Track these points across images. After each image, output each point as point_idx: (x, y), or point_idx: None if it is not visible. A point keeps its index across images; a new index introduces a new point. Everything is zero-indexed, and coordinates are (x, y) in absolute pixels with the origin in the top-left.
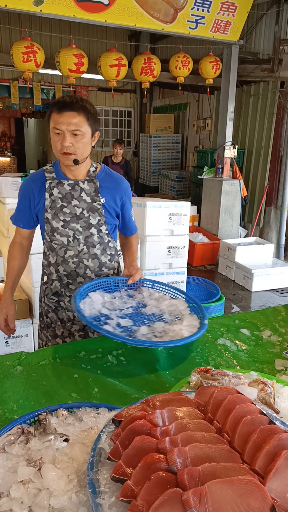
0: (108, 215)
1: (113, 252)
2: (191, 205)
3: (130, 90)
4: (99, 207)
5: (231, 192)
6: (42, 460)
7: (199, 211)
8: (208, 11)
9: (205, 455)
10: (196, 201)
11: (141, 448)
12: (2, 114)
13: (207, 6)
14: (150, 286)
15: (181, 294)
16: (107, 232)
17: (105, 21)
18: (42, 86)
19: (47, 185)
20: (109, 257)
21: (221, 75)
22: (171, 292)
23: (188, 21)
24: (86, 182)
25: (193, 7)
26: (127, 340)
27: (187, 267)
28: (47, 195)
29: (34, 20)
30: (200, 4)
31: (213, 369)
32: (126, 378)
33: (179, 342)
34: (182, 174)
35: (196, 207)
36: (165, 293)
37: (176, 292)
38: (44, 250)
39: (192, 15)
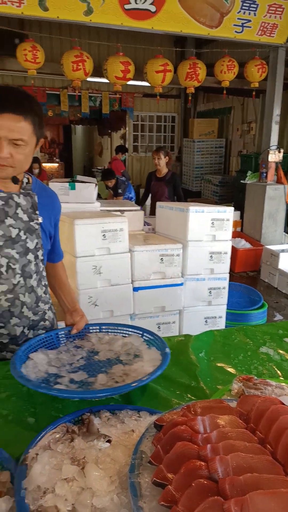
0: (44, 237)
1: (46, 283)
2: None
3: (175, 95)
4: (36, 227)
5: (276, 197)
6: (86, 459)
7: (241, 217)
8: (255, 14)
9: (247, 465)
10: (239, 206)
11: (182, 454)
12: (51, 122)
13: (254, 9)
14: (97, 330)
15: (133, 330)
16: (42, 258)
17: (152, 28)
18: (90, 94)
19: None
20: (44, 288)
21: (266, 78)
22: (121, 331)
23: (234, 25)
24: (21, 195)
25: (240, 11)
26: (85, 394)
27: (229, 273)
28: None
29: (84, 29)
30: (247, 8)
31: (255, 378)
32: (167, 383)
33: (146, 381)
34: (225, 179)
35: (238, 212)
36: (115, 333)
37: (127, 329)
38: None
39: (238, 18)
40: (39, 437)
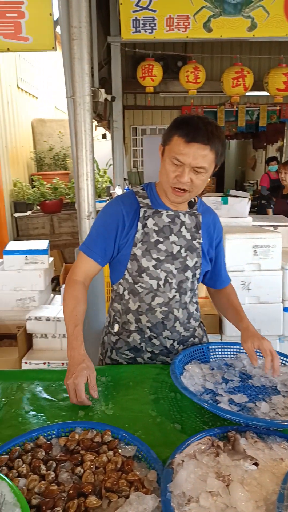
0: (203, 258)
1: (197, 300)
2: None
3: None
4: (198, 246)
5: None
6: (231, 477)
7: None
8: None
9: None
10: None
11: None
12: None
13: None
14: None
15: None
16: (198, 277)
17: None
18: (247, 108)
19: (141, 213)
20: (195, 306)
21: None
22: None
23: None
24: (187, 214)
25: None
26: (256, 421)
27: None
28: (139, 225)
29: (245, 45)
30: None
31: None
32: None
33: None
34: None
35: None
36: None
37: (284, 358)
38: (118, 292)
39: None
40: (185, 445)
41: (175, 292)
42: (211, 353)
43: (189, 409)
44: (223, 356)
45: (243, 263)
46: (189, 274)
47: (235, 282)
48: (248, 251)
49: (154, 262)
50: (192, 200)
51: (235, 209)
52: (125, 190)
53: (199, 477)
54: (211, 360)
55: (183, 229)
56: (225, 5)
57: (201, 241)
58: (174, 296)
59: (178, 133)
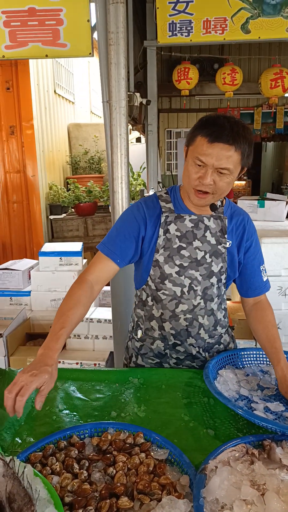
0: (230, 263)
1: (226, 306)
2: None
3: None
4: (223, 251)
5: None
6: (266, 486)
7: None
8: None
9: None
10: None
11: None
12: None
13: None
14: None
15: None
16: (225, 282)
17: None
18: (286, 109)
19: (162, 219)
20: (223, 312)
21: None
22: None
23: None
24: (212, 218)
25: None
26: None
27: None
28: (161, 231)
29: (284, 45)
30: None
31: None
32: None
33: None
34: None
35: None
36: None
37: None
38: (141, 298)
39: None
40: (219, 451)
41: (200, 299)
42: (246, 359)
43: (222, 415)
44: (258, 362)
45: (280, 268)
46: (214, 280)
47: (272, 287)
48: (285, 256)
49: (177, 269)
50: (215, 203)
51: (271, 213)
52: None
53: (233, 484)
54: (245, 366)
55: (207, 233)
56: (264, 6)
57: (227, 245)
58: (199, 303)
59: (202, 133)
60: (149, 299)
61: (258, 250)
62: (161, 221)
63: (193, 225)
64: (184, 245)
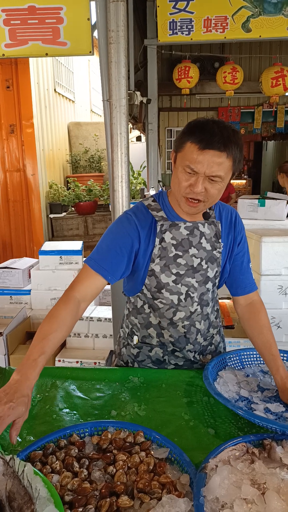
0: (223, 263)
1: (218, 307)
2: None
3: None
4: (218, 256)
5: None
6: (266, 485)
7: None
8: None
9: None
10: None
11: None
12: (243, 139)
13: None
14: (285, 358)
15: None
16: (218, 284)
17: None
18: (286, 108)
19: (158, 228)
20: (215, 313)
21: None
22: None
23: None
24: (206, 224)
25: None
26: None
27: None
28: (157, 240)
29: (284, 44)
30: None
31: None
32: None
33: None
34: None
35: None
36: None
37: None
38: (135, 305)
39: None
40: (219, 450)
41: (197, 305)
42: (246, 360)
43: (223, 414)
44: (259, 362)
45: (280, 267)
46: (209, 285)
47: (272, 286)
48: (285, 255)
49: (174, 277)
50: (207, 211)
51: (272, 212)
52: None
53: (233, 483)
54: (245, 366)
55: (202, 240)
56: (265, 5)
57: (221, 250)
58: (196, 310)
59: (191, 139)
60: (146, 306)
61: (247, 248)
62: (157, 230)
63: (188, 232)
64: (180, 253)
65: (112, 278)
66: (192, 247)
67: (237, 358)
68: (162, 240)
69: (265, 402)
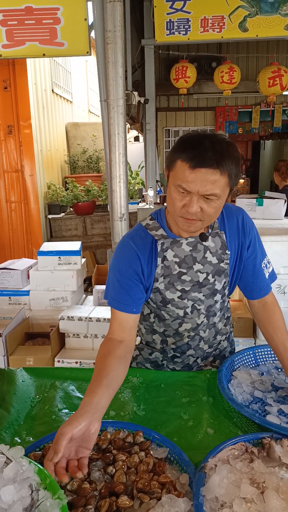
0: (231, 271)
1: (229, 315)
2: None
3: None
4: (225, 267)
5: None
6: (266, 484)
7: None
8: None
9: None
10: None
11: None
12: (240, 139)
13: None
14: None
15: None
16: (227, 292)
17: None
18: (284, 108)
19: (159, 247)
20: (225, 321)
21: None
22: None
23: None
24: (210, 237)
25: None
26: None
27: None
28: (159, 260)
29: (282, 44)
30: None
31: None
32: None
33: None
34: None
35: None
36: None
37: None
38: (141, 311)
39: None
40: (218, 449)
41: (204, 317)
42: (260, 358)
43: (222, 413)
44: (273, 360)
45: (278, 266)
46: (218, 297)
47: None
48: (284, 254)
49: (179, 294)
50: (204, 231)
51: (270, 211)
52: (157, 192)
53: (233, 482)
54: (260, 364)
55: (207, 254)
56: (262, 4)
57: (229, 261)
58: (202, 321)
59: (182, 157)
60: (152, 315)
61: (258, 247)
62: (158, 250)
63: (191, 248)
64: (184, 271)
65: (137, 308)
66: (197, 263)
67: (252, 355)
68: (164, 258)
69: (279, 403)
